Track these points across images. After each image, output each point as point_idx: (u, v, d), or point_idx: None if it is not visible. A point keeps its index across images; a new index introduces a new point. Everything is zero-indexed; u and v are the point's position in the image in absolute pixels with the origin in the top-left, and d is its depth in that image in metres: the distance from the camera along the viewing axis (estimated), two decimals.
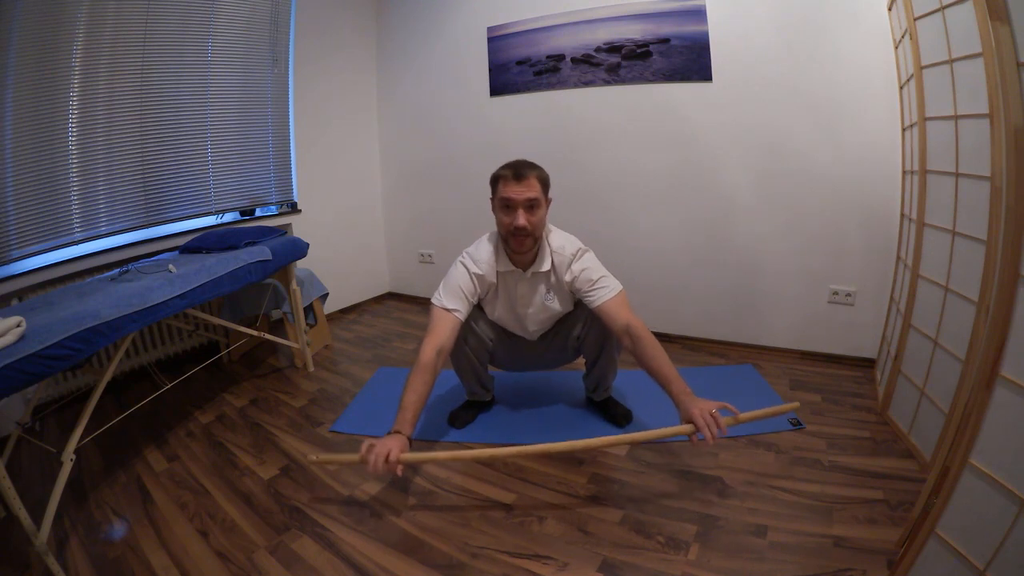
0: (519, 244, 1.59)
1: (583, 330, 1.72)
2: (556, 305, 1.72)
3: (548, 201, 1.62)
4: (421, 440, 1.80)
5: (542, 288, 1.70)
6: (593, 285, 1.59)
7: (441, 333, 1.56)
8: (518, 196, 1.53)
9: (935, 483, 1.02)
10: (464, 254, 1.69)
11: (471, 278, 1.65)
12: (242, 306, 2.50)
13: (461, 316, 1.60)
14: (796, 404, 1.51)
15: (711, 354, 2.47)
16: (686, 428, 1.34)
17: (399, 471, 1.32)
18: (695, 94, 2.40)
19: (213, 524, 1.44)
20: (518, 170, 1.55)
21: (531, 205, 1.54)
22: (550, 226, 1.69)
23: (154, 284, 1.64)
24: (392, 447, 1.31)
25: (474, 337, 1.73)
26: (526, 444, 1.73)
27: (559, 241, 1.66)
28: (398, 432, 1.39)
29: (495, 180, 1.60)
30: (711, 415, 1.30)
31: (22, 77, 1.96)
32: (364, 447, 1.34)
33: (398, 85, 3.34)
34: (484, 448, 1.74)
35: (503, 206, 1.57)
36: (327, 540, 1.36)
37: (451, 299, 1.61)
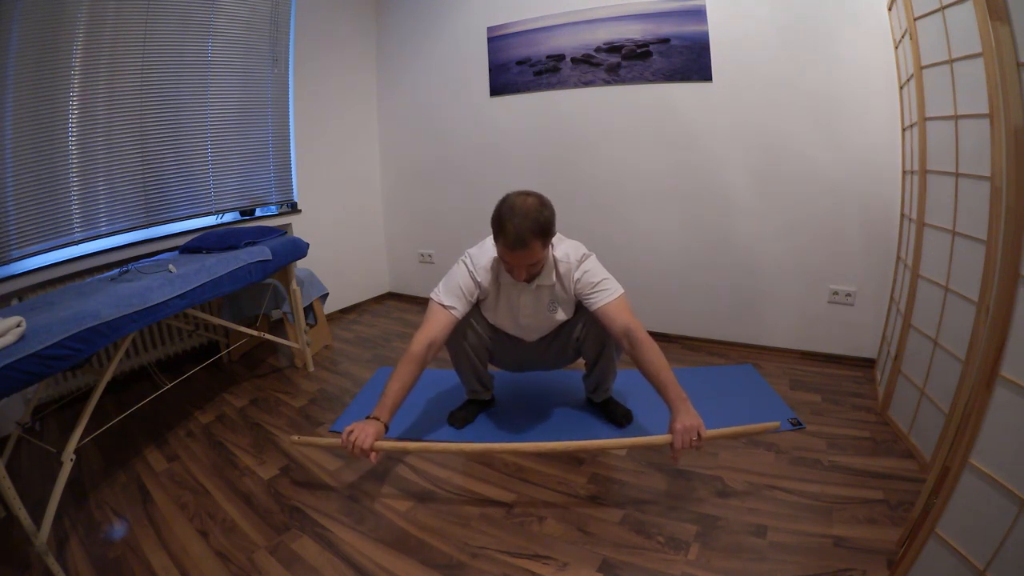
0: (520, 278, 1.58)
1: (583, 331, 1.72)
2: (560, 315, 1.72)
3: (553, 235, 1.54)
4: (420, 439, 1.80)
5: (546, 299, 1.69)
6: (594, 288, 1.58)
7: (434, 327, 1.57)
8: (516, 263, 1.50)
9: (935, 483, 1.02)
10: (467, 254, 1.68)
11: (472, 279, 1.64)
12: (242, 306, 2.50)
13: (457, 314, 1.60)
14: (776, 424, 1.45)
15: (711, 354, 2.47)
16: (666, 439, 1.34)
17: (373, 458, 1.37)
18: (695, 94, 2.40)
19: (213, 524, 1.44)
20: (517, 236, 1.42)
21: (531, 265, 1.52)
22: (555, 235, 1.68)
23: (154, 284, 1.64)
24: (369, 434, 1.36)
25: (474, 334, 1.74)
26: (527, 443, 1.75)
27: (563, 250, 1.64)
28: (376, 419, 1.42)
29: (496, 234, 1.50)
30: (693, 437, 1.30)
31: (22, 77, 1.96)
32: (344, 432, 1.37)
33: (398, 85, 3.34)
34: (482, 444, 1.75)
35: (503, 259, 1.53)
36: (327, 540, 1.36)
37: (449, 296, 1.61)
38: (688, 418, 1.33)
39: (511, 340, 1.82)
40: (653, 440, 1.40)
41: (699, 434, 1.31)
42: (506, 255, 1.50)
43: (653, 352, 1.46)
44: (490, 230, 1.74)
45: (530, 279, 1.64)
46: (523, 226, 1.42)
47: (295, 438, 1.55)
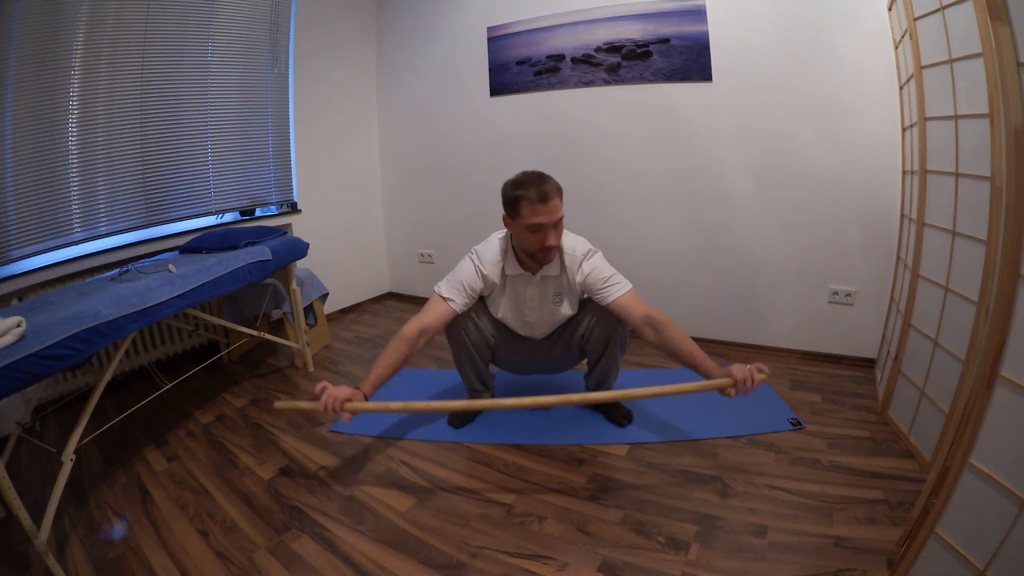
0: (545, 257, 1.60)
1: (588, 328, 1.72)
2: (565, 308, 1.73)
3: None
4: (419, 439, 1.81)
5: (551, 291, 1.70)
6: (605, 283, 1.60)
7: (429, 316, 1.61)
8: (549, 220, 1.52)
9: (935, 483, 1.02)
10: (473, 251, 1.71)
11: (477, 275, 1.67)
12: (242, 306, 2.50)
13: (455, 306, 1.64)
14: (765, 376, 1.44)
15: (711, 354, 2.41)
16: (725, 381, 1.37)
17: (344, 418, 1.41)
18: (695, 94, 2.40)
19: (213, 524, 1.44)
20: (542, 192, 1.50)
21: (558, 224, 1.55)
22: None
23: (154, 284, 1.64)
24: (343, 393, 1.41)
25: (476, 329, 1.74)
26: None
27: (570, 243, 1.67)
28: (356, 388, 1.46)
29: (516, 201, 1.53)
30: (749, 370, 1.37)
31: (22, 77, 1.96)
32: (318, 388, 1.42)
33: (398, 85, 3.34)
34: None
35: (531, 228, 1.54)
36: (327, 540, 1.36)
37: (449, 289, 1.65)
38: (737, 365, 1.39)
39: (515, 338, 1.83)
40: (712, 384, 1.39)
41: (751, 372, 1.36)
42: (536, 216, 1.51)
43: (679, 331, 1.50)
44: (492, 229, 1.75)
45: (535, 271, 1.67)
46: (540, 178, 1.54)
47: (278, 404, 1.54)
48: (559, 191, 1.55)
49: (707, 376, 1.43)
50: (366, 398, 1.47)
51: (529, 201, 1.50)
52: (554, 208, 1.52)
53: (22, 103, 1.97)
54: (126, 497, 1.58)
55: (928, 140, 1.56)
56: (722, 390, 1.38)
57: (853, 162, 2.12)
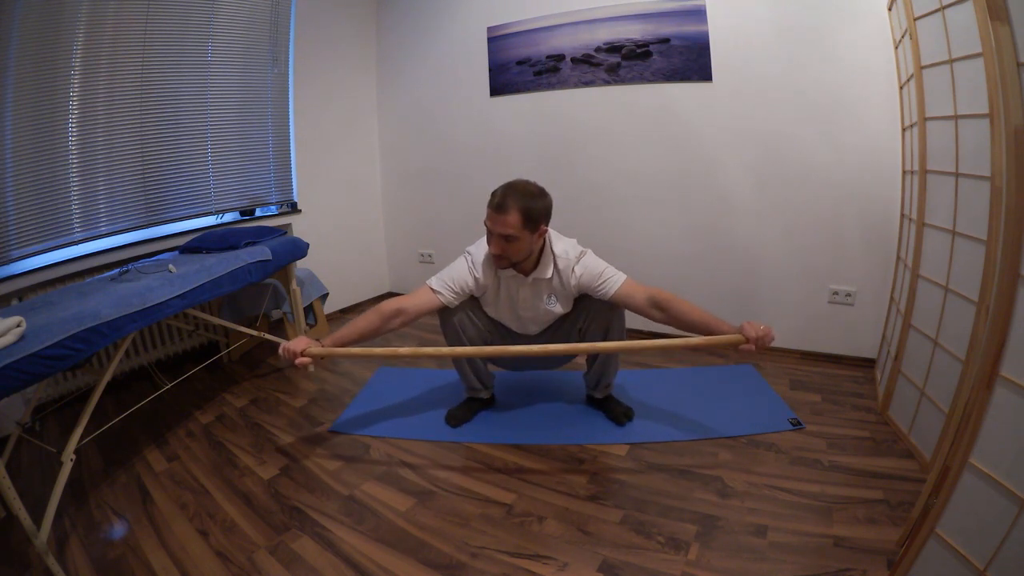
0: (497, 263, 1.63)
1: (585, 323, 1.73)
2: (558, 308, 1.74)
3: (541, 231, 1.59)
4: (419, 439, 1.81)
5: (543, 293, 1.71)
6: (601, 278, 1.62)
7: (411, 300, 1.66)
8: (492, 227, 1.55)
9: (935, 483, 1.02)
10: (467, 251, 1.72)
11: (470, 275, 1.68)
12: (242, 306, 2.50)
13: (443, 299, 1.67)
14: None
15: (711, 354, 2.46)
16: (736, 337, 1.40)
17: (300, 363, 1.49)
18: (695, 94, 2.40)
19: (213, 524, 1.44)
20: (502, 200, 1.52)
21: (505, 238, 1.54)
22: (552, 232, 1.70)
23: (154, 284, 1.64)
24: (300, 345, 1.50)
25: (473, 328, 1.75)
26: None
27: (562, 246, 1.68)
28: (317, 340, 1.56)
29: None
30: (763, 328, 1.40)
31: (22, 77, 1.96)
32: (281, 346, 1.52)
33: (398, 85, 3.34)
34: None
35: (485, 225, 1.59)
36: (327, 540, 1.36)
37: (440, 284, 1.68)
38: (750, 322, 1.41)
39: (512, 336, 1.83)
40: (724, 339, 1.42)
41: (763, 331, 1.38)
42: (487, 218, 1.56)
43: (687, 303, 1.53)
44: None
45: (527, 273, 1.68)
46: (510, 194, 1.53)
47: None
48: (525, 210, 1.51)
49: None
50: (323, 347, 1.54)
51: (489, 204, 1.56)
52: (504, 221, 1.51)
53: (22, 103, 1.97)
54: (126, 497, 1.58)
55: (928, 140, 1.56)
56: (736, 346, 1.40)
57: (853, 162, 2.12)
